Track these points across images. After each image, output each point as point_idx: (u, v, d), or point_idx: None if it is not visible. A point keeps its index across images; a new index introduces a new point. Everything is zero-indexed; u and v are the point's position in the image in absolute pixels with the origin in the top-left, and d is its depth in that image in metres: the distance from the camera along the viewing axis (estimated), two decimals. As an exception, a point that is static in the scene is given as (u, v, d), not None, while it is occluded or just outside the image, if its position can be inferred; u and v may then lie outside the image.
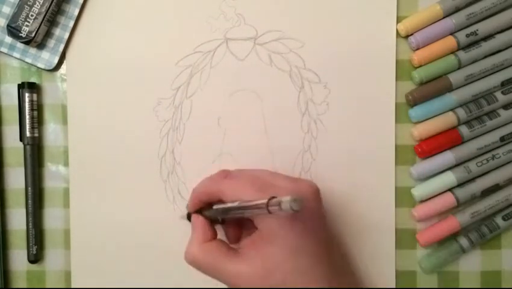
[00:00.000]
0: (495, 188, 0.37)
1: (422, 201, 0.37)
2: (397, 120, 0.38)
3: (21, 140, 0.38)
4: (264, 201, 0.26)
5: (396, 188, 0.38)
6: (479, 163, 0.37)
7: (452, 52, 0.37)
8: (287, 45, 0.38)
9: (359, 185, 0.37)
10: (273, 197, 0.26)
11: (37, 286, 0.39)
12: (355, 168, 0.38)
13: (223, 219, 0.34)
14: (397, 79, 0.37)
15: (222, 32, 0.38)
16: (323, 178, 0.38)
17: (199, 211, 0.34)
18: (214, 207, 0.32)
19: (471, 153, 0.37)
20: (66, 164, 0.38)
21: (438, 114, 0.37)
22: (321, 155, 0.38)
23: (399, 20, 0.37)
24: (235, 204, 0.30)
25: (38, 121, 0.38)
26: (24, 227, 0.38)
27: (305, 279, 0.29)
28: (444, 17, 0.37)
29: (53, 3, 0.36)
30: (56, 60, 0.38)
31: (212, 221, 0.34)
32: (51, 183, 0.39)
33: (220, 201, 0.32)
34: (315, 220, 0.31)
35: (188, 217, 0.35)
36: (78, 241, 0.38)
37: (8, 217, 0.39)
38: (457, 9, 0.37)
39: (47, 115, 0.39)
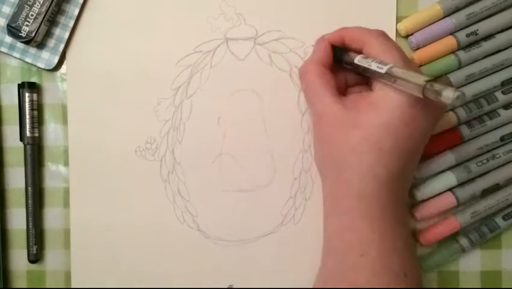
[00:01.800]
0: (495, 188, 0.37)
1: (422, 201, 0.37)
2: (397, 120, 0.37)
3: (21, 140, 0.38)
4: (423, 80, 0.25)
5: (396, 187, 0.38)
6: (479, 163, 0.37)
7: (452, 52, 0.37)
8: (287, 45, 0.38)
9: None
10: (432, 80, 0.25)
11: (37, 286, 0.39)
12: (355, 168, 0.38)
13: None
14: (397, 78, 0.37)
15: (222, 32, 0.38)
16: (323, 178, 0.37)
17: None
18: (359, 60, 0.32)
19: (471, 153, 0.37)
20: (66, 163, 0.38)
21: (438, 114, 0.37)
22: (321, 154, 0.38)
23: (398, 20, 0.37)
24: (386, 67, 0.29)
25: (38, 121, 0.38)
26: (25, 227, 0.38)
27: (371, 161, 0.29)
28: (444, 17, 0.37)
29: (53, 3, 0.36)
30: (56, 60, 0.38)
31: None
32: (51, 183, 0.39)
33: (358, 52, 0.32)
34: (424, 133, 0.31)
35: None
36: (78, 241, 0.38)
37: (8, 216, 0.39)
38: (457, 9, 0.37)
39: (47, 115, 0.39)
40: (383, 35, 0.32)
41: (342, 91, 0.34)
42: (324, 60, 0.33)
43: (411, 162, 0.31)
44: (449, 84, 0.23)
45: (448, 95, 0.24)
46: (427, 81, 0.25)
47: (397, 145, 0.29)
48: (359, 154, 0.29)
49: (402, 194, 0.31)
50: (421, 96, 0.26)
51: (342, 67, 0.34)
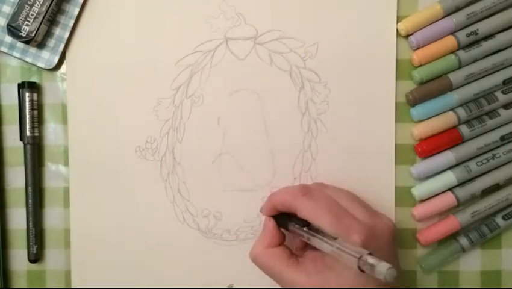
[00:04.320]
0: (495, 188, 0.37)
1: (422, 200, 0.37)
2: (397, 120, 0.38)
3: (21, 140, 0.38)
4: (356, 257, 0.26)
5: (396, 187, 0.38)
6: (479, 162, 0.37)
7: (452, 52, 0.37)
8: (287, 44, 0.38)
9: (359, 185, 0.37)
10: (363, 256, 0.26)
11: (37, 286, 0.39)
12: (355, 168, 0.38)
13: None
14: (397, 78, 0.37)
15: (222, 32, 0.38)
16: (323, 178, 0.38)
17: (275, 216, 0.34)
18: (296, 227, 0.32)
19: (471, 153, 0.37)
20: (66, 163, 0.38)
21: (438, 114, 0.37)
22: (321, 154, 0.38)
23: (399, 19, 0.37)
24: (325, 238, 0.29)
25: (38, 120, 0.38)
26: (25, 226, 0.38)
27: None
28: (444, 17, 0.37)
29: (54, 3, 0.36)
30: (56, 60, 0.38)
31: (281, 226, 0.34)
32: (51, 182, 0.39)
33: (294, 216, 0.33)
34: (390, 258, 0.31)
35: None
36: (78, 240, 0.38)
37: (8, 216, 0.39)
38: (457, 9, 0.37)
39: (48, 114, 0.39)
40: (306, 194, 0.32)
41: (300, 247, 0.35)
42: (272, 240, 0.34)
43: None
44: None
45: (381, 270, 0.24)
46: (360, 257, 0.26)
47: None
48: None
49: None
50: (359, 270, 0.26)
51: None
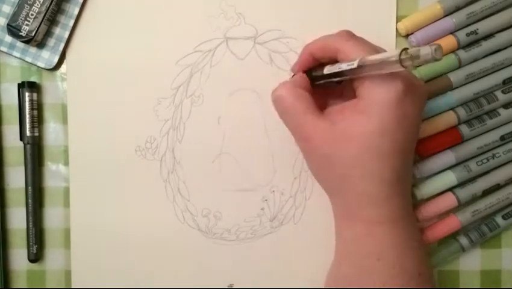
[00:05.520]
0: (496, 188, 0.37)
1: (423, 200, 0.37)
2: (397, 119, 0.37)
3: (21, 139, 0.38)
4: (397, 52, 0.24)
5: (396, 187, 0.38)
6: (479, 162, 0.37)
7: (452, 51, 0.37)
8: (287, 44, 0.38)
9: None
10: (406, 49, 0.24)
11: (37, 286, 0.39)
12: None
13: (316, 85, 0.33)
14: (397, 78, 0.37)
15: (222, 31, 0.38)
16: (323, 177, 0.37)
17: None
18: (329, 69, 0.30)
19: (471, 152, 0.37)
20: (66, 163, 0.38)
21: (438, 113, 0.37)
22: (321, 154, 0.38)
23: (399, 19, 0.37)
24: (357, 61, 0.27)
25: (38, 120, 0.38)
26: (25, 226, 0.38)
27: (375, 167, 0.28)
28: (444, 16, 0.37)
29: (54, 3, 0.36)
30: (56, 59, 0.38)
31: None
32: (51, 182, 0.39)
33: (331, 63, 0.31)
34: (417, 122, 0.30)
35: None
36: (78, 240, 0.38)
37: (8, 216, 0.39)
38: (457, 8, 0.37)
39: (47, 114, 0.39)
40: (352, 37, 0.31)
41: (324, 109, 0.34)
42: (302, 82, 0.32)
43: (410, 157, 0.31)
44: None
45: (426, 52, 0.23)
46: (401, 51, 0.25)
47: (396, 144, 0.29)
48: (362, 165, 0.29)
49: (408, 193, 0.31)
50: (401, 68, 0.25)
51: (319, 89, 0.33)
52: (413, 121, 0.29)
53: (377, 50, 0.30)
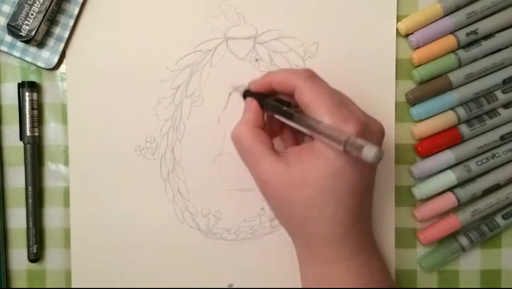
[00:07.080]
0: (496, 188, 0.37)
1: (422, 200, 0.37)
2: (397, 119, 0.38)
3: (21, 139, 0.38)
4: (344, 138, 0.25)
5: (395, 187, 0.38)
6: (479, 162, 0.37)
7: (452, 51, 0.37)
8: (287, 44, 0.38)
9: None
10: (350, 137, 0.25)
11: (37, 286, 0.39)
12: (355, 167, 0.38)
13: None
14: (397, 78, 0.37)
15: (222, 31, 0.38)
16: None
17: (256, 97, 0.33)
18: (279, 106, 0.31)
19: (471, 152, 0.37)
20: (66, 163, 0.38)
21: (438, 113, 0.37)
22: (321, 154, 0.38)
23: (399, 19, 0.37)
24: (311, 121, 0.28)
25: (38, 120, 0.38)
26: (25, 226, 0.38)
27: (331, 210, 0.29)
28: (444, 16, 0.37)
29: (53, 2, 0.36)
30: (56, 59, 0.38)
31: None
32: (51, 182, 0.39)
33: (286, 96, 0.31)
34: (372, 167, 0.30)
35: (244, 95, 0.34)
36: (78, 240, 0.38)
37: (8, 216, 0.39)
38: (457, 8, 0.37)
39: (47, 114, 0.39)
40: (311, 77, 0.31)
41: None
42: (257, 121, 0.32)
43: (368, 197, 0.31)
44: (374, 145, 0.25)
45: (368, 153, 0.24)
46: (348, 138, 0.25)
47: (351, 186, 0.29)
48: (318, 207, 0.29)
49: (368, 230, 0.32)
50: (343, 151, 0.26)
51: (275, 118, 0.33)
52: (367, 164, 0.29)
53: (331, 94, 0.30)
